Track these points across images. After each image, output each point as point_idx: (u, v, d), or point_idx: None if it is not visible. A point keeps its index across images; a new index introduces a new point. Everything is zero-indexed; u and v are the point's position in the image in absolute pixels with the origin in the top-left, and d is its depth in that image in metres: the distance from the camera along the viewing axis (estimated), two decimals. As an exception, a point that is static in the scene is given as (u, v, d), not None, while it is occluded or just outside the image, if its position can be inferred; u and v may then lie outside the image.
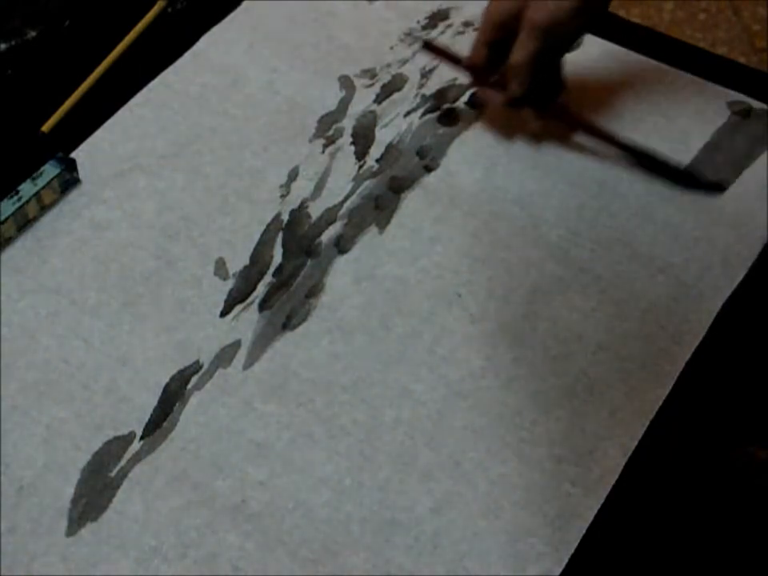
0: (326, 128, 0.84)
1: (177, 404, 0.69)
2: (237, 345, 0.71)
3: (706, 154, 0.82)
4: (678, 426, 0.68)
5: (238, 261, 0.76)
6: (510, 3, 0.76)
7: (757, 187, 0.80)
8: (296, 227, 0.78)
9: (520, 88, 0.78)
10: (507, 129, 0.83)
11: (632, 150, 0.80)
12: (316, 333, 0.72)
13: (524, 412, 0.68)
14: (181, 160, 0.81)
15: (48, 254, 0.76)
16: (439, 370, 0.70)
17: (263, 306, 0.73)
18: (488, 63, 0.79)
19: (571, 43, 0.81)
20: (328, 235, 0.77)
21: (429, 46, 0.84)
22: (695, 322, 0.72)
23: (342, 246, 0.76)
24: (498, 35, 0.78)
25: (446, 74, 0.87)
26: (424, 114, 0.84)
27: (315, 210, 0.78)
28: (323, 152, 0.82)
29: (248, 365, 0.71)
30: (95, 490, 0.65)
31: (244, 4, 0.92)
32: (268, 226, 0.78)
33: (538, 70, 0.77)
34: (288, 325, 0.72)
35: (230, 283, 0.75)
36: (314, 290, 0.74)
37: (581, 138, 0.82)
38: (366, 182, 0.80)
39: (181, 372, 0.70)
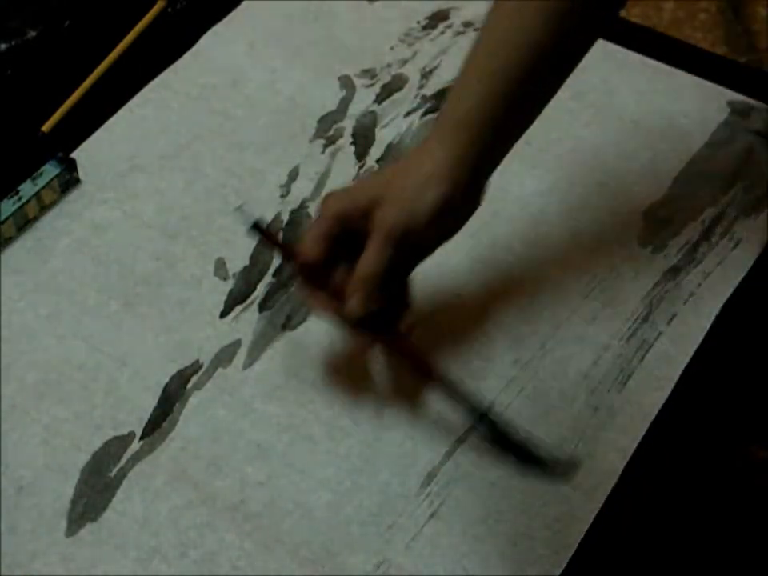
0: (326, 128, 0.84)
1: (177, 404, 0.69)
2: (237, 345, 0.71)
3: (706, 153, 0.82)
4: (678, 428, 0.68)
5: (237, 261, 0.76)
6: (358, 195, 0.64)
7: (756, 187, 0.80)
8: (296, 227, 0.78)
9: (362, 306, 0.62)
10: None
11: (472, 408, 0.64)
12: (316, 333, 0.72)
13: (524, 413, 0.68)
14: (181, 160, 0.81)
15: (48, 254, 0.76)
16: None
17: (263, 306, 0.73)
18: (324, 261, 0.63)
19: (426, 255, 0.64)
20: (328, 235, 0.77)
21: (257, 229, 0.66)
22: (695, 324, 0.73)
23: (341, 246, 0.76)
24: (340, 229, 0.63)
25: (446, 74, 0.87)
26: (424, 114, 0.84)
27: (315, 210, 0.78)
28: (323, 152, 0.82)
29: (248, 365, 0.71)
30: (95, 490, 0.65)
31: (244, 4, 0.92)
32: (268, 226, 0.78)
33: (385, 287, 0.62)
34: (288, 325, 0.72)
35: (230, 283, 0.75)
36: (314, 291, 0.74)
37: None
38: (366, 183, 0.80)
39: (181, 372, 0.70)
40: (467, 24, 0.91)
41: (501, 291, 0.74)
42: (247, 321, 0.73)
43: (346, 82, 0.87)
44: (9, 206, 0.76)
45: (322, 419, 0.68)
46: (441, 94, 0.86)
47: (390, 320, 0.65)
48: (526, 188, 0.80)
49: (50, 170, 0.78)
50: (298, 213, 0.78)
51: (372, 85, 0.86)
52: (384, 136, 0.83)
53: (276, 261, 0.75)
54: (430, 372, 0.65)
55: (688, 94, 0.86)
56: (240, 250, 0.76)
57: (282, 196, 0.79)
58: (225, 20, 0.91)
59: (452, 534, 0.64)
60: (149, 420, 0.68)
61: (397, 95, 0.86)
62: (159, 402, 0.69)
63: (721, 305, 0.73)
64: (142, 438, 0.67)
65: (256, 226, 0.66)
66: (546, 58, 0.60)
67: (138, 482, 0.65)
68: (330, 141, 0.83)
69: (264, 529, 0.64)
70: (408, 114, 0.84)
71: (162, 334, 0.72)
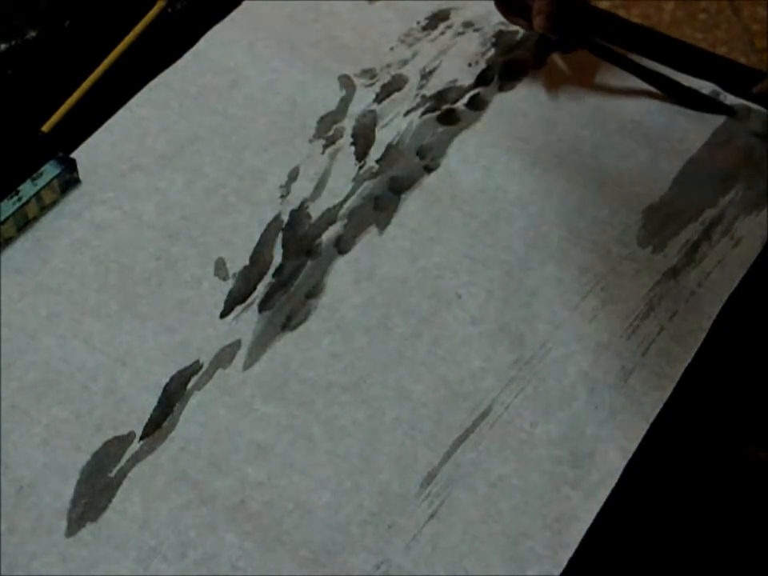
0: (326, 128, 0.84)
1: (177, 404, 0.69)
2: (237, 345, 0.71)
3: (706, 153, 0.82)
4: (678, 428, 0.68)
5: (238, 261, 0.76)
6: None
7: (756, 187, 0.80)
8: (296, 227, 0.78)
9: (545, 22, 0.81)
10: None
11: (659, 79, 0.85)
12: (316, 333, 0.72)
13: (523, 413, 0.68)
14: (181, 160, 0.81)
15: (48, 254, 0.76)
16: (439, 370, 0.70)
17: (263, 306, 0.73)
18: None
19: None
20: (328, 235, 0.77)
21: None
22: (695, 323, 0.73)
23: (341, 246, 0.76)
24: None
25: (446, 75, 0.87)
26: (424, 114, 0.84)
27: (315, 210, 0.78)
28: (323, 152, 0.82)
29: (248, 365, 0.71)
30: (95, 490, 0.65)
31: (244, 4, 0.92)
32: (268, 225, 0.78)
33: (563, 3, 0.80)
34: (288, 325, 0.73)
35: (230, 283, 0.75)
36: (314, 290, 0.74)
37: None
38: (366, 183, 0.80)
39: (181, 372, 0.70)
40: (467, 24, 0.91)
41: (501, 291, 0.74)
42: (247, 321, 0.73)
43: (346, 82, 0.87)
44: (9, 205, 0.76)
45: (322, 419, 0.68)
46: (441, 94, 0.86)
47: (577, 31, 0.84)
48: (526, 188, 0.80)
49: (50, 170, 0.78)
50: (298, 213, 0.78)
51: (372, 85, 0.86)
52: (384, 136, 0.83)
53: (276, 260, 0.76)
54: (617, 58, 0.85)
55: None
56: (240, 250, 0.76)
57: (282, 196, 0.79)
58: (225, 20, 0.91)
59: (452, 534, 0.64)
60: (149, 420, 0.68)
61: (397, 95, 0.86)
62: (159, 401, 0.69)
63: (721, 304, 0.73)
64: (142, 438, 0.67)
65: None
66: None
67: (138, 482, 0.65)
68: (330, 141, 0.83)
69: (264, 529, 0.64)
70: (408, 113, 0.84)
71: (161, 334, 0.72)
